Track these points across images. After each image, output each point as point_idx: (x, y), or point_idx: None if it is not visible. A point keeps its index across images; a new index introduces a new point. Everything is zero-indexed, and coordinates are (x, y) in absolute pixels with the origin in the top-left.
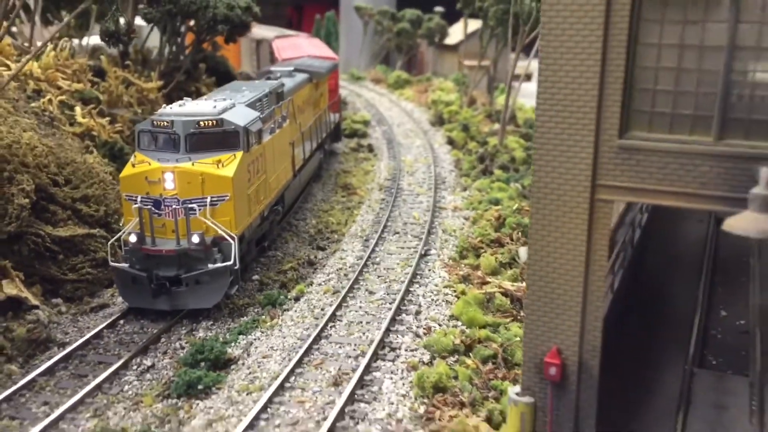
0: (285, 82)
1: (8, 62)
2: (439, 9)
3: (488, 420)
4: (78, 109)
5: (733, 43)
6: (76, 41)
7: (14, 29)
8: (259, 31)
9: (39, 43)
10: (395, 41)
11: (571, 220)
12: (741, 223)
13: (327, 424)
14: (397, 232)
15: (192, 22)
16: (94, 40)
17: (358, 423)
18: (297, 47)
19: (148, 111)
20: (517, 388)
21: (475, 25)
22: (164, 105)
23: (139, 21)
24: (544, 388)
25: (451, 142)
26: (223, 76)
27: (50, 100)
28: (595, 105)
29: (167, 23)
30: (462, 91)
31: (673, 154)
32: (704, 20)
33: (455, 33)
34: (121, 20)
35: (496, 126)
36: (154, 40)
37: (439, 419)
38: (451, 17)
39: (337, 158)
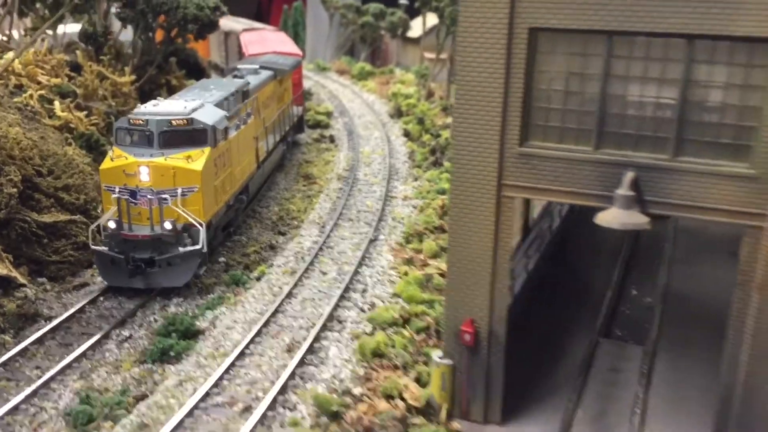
0: (250, 81)
1: None
2: (403, 1)
3: (417, 380)
4: (57, 103)
5: (607, 72)
6: (50, 32)
7: None
8: (227, 23)
9: (15, 35)
10: (360, 33)
11: (482, 213)
12: (607, 217)
13: (280, 383)
14: (351, 219)
15: (163, 18)
16: (70, 28)
17: (306, 382)
18: (264, 42)
19: (121, 103)
20: (440, 353)
21: (434, 19)
22: (138, 105)
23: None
24: (460, 352)
25: (407, 134)
26: (192, 68)
27: (31, 95)
28: (500, 120)
29: (140, 21)
30: (421, 84)
31: (562, 160)
32: (585, 53)
33: (418, 26)
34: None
35: (450, 119)
36: (126, 34)
37: (376, 379)
38: (414, 10)
39: (300, 149)
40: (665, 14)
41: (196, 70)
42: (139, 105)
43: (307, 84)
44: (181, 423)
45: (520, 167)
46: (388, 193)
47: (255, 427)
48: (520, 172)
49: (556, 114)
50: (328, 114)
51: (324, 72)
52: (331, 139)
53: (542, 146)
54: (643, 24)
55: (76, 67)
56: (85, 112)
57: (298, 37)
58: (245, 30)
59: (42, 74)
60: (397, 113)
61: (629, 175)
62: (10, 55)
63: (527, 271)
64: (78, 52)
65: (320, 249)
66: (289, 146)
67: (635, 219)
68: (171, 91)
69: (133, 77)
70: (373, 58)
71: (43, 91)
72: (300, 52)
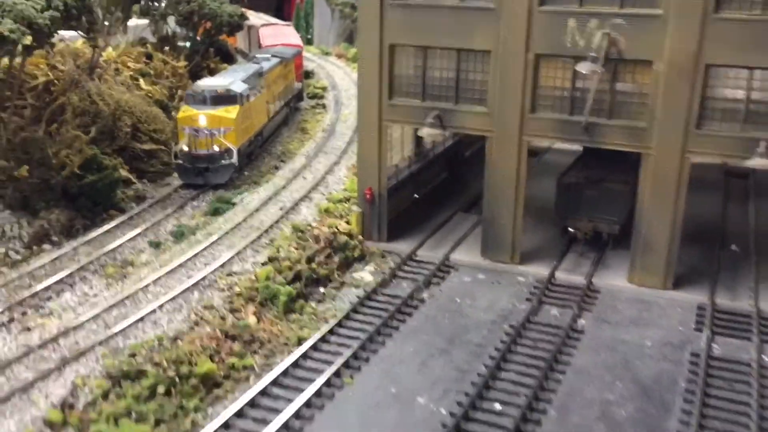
0: (264, 65)
1: (103, 53)
2: None
3: (347, 222)
4: (142, 81)
5: (425, 65)
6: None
7: None
8: (251, 19)
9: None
10: (356, 24)
11: (373, 135)
12: (421, 131)
13: (275, 220)
14: (326, 153)
15: (205, 23)
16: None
17: (289, 220)
18: (276, 36)
19: (178, 81)
20: (356, 206)
21: None
22: (189, 82)
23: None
24: (365, 205)
25: None
26: (224, 55)
27: (126, 75)
28: (378, 87)
29: (190, 25)
30: None
31: (408, 107)
32: (415, 56)
33: None
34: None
35: None
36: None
37: (325, 221)
38: None
39: (300, 113)
40: (447, 39)
41: (227, 57)
42: (198, 81)
43: (310, 66)
44: (227, 233)
45: (390, 110)
46: (353, 138)
47: (261, 234)
48: (390, 112)
49: (405, 85)
50: (324, 89)
51: (326, 56)
52: (323, 106)
53: (400, 100)
54: (438, 43)
55: (148, 56)
56: (158, 87)
57: (308, 26)
58: (263, 25)
59: (130, 62)
60: None
61: (433, 113)
62: (110, 50)
63: (410, 168)
64: (148, 45)
65: (304, 168)
66: (292, 110)
67: (434, 132)
68: (210, 72)
69: (186, 63)
70: None
71: (131, 73)
72: (301, 44)
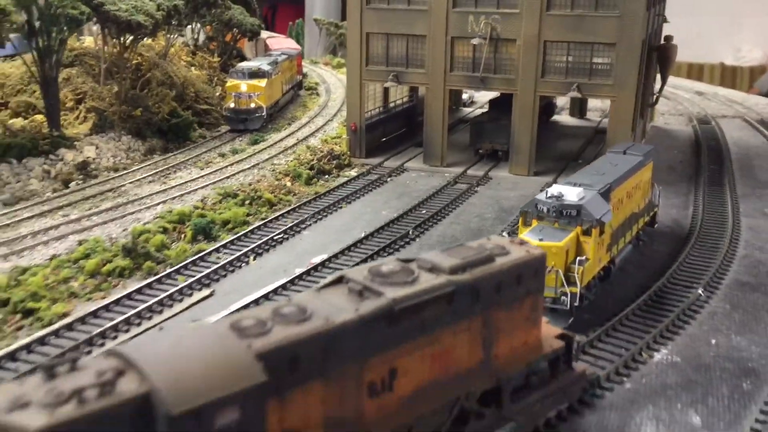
0: (278, 59)
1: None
2: None
3: (339, 146)
4: (193, 69)
5: (388, 45)
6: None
7: None
8: None
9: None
10: (339, 40)
11: (356, 90)
12: (386, 84)
13: (294, 143)
14: (323, 116)
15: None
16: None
17: (302, 146)
18: (280, 43)
19: (213, 72)
20: (345, 136)
21: None
22: (220, 72)
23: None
24: (351, 133)
25: None
26: (241, 57)
27: (183, 64)
28: (359, 59)
29: (224, 31)
30: None
31: (378, 71)
32: (383, 40)
33: None
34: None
35: None
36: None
37: (326, 144)
38: None
39: (301, 98)
40: (401, 29)
41: (243, 58)
42: (239, 64)
43: (304, 70)
44: (265, 149)
45: (366, 73)
46: (341, 109)
47: (287, 150)
48: (366, 74)
49: (376, 57)
50: (317, 83)
51: (315, 64)
52: (317, 93)
53: (372, 67)
54: (395, 31)
55: (192, 53)
56: (203, 72)
57: (299, 42)
58: (268, 37)
59: (183, 56)
60: None
61: (392, 74)
62: (171, 48)
63: (380, 116)
64: (190, 46)
65: (308, 123)
66: (295, 94)
67: (392, 84)
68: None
69: (218, 59)
70: None
71: (185, 63)
72: (300, 48)
